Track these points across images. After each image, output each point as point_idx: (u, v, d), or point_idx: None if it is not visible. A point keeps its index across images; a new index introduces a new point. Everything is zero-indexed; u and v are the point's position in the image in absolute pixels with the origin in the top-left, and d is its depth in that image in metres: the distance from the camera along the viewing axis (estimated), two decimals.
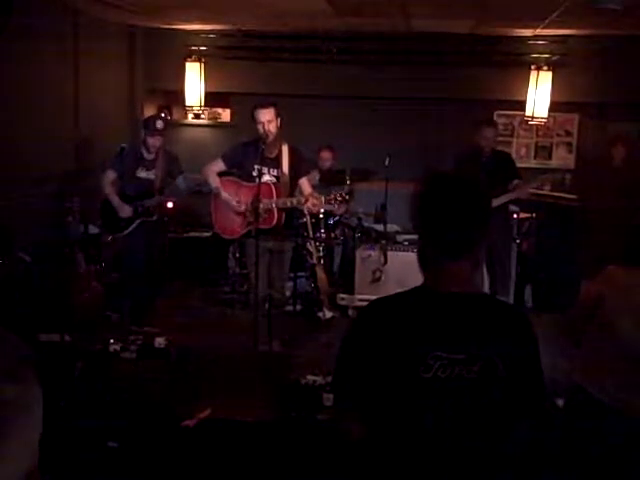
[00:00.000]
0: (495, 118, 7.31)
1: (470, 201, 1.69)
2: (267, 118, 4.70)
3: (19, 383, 1.07)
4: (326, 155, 6.76)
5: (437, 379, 1.63)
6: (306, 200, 4.67)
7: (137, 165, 5.53)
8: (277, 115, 4.75)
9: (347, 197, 4.69)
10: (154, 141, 5.49)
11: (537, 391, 1.77)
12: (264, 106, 4.72)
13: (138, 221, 5.51)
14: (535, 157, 7.74)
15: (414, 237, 6.53)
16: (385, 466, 1.72)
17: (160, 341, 5.00)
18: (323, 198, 4.69)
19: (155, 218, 5.58)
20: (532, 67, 7.16)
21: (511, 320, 1.76)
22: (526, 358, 1.72)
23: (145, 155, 5.54)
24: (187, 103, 7.60)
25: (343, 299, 6.25)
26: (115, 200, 5.48)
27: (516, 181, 5.76)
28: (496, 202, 5.43)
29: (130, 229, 5.51)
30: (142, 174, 5.54)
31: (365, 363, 1.70)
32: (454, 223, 1.68)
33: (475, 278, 1.77)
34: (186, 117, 8.07)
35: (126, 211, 5.48)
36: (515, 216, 6.44)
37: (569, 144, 7.75)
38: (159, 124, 5.48)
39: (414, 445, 1.68)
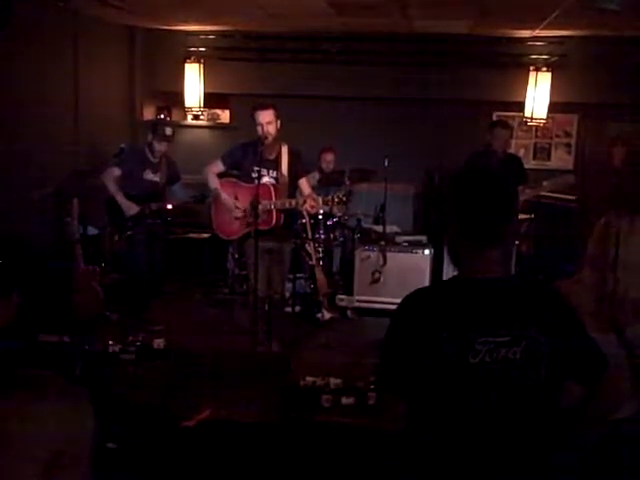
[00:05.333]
0: (494, 119, 7.31)
1: (501, 193, 1.79)
2: (266, 119, 4.70)
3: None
4: (330, 157, 6.75)
5: (484, 363, 1.67)
6: (304, 201, 4.67)
7: (144, 167, 5.56)
8: (277, 117, 4.75)
9: (344, 199, 4.67)
10: (160, 147, 5.54)
11: (590, 357, 1.81)
12: (263, 107, 4.72)
13: (145, 222, 5.53)
14: (534, 158, 7.74)
15: (413, 238, 6.55)
16: (434, 451, 1.75)
17: (159, 342, 4.99)
18: (320, 199, 4.69)
19: (159, 221, 5.62)
20: (531, 68, 7.18)
21: (546, 296, 1.82)
22: (568, 329, 1.76)
23: (150, 158, 5.58)
24: (186, 104, 7.61)
25: (342, 300, 6.25)
26: (121, 198, 5.48)
27: (520, 187, 5.75)
28: None
29: (136, 229, 5.53)
30: (149, 176, 5.58)
31: (412, 352, 1.73)
32: (489, 213, 1.76)
33: (508, 265, 1.82)
34: (185, 118, 8.07)
35: (133, 209, 5.49)
36: None
37: (568, 145, 7.75)
38: (168, 131, 5.54)
39: (463, 430, 1.71)
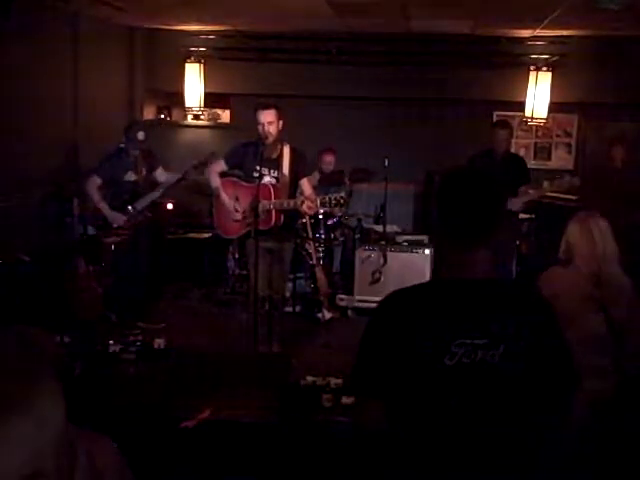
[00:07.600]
0: (495, 119, 7.31)
1: (485, 194, 1.76)
2: (267, 119, 4.69)
3: (21, 382, 1.05)
4: (329, 158, 6.73)
5: (461, 365, 1.66)
6: (302, 202, 4.65)
7: (124, 170, 5.50)
8: (278, 117, 4.74)
9: (342, 200, 4.64)
10: (135, 152, 5.46)
11: (564, 363, 1.79)
12: (265, 107, 4.72)
13: (134, 223, 5.50)
14: (534, 158, 7.74)
15: (413, 238, 6.54)
16: (411, 453, 1.73)
17: (159, 342, 5.00)
18: (318, 200, 4.67)
19: (150, 216, 5.57)
20: (531, 68, 7.18)
21: (529, 301, 1.81)
22: (546, 333, 1.75)
23: (129, 160, 5.51)
24: (187, 104, 7.60)
25: (342, 300, 6.25)
26: (106, 210, 5.46)
27: (523, 187, 5.73)
28: None
29: (127, 233, 5.51)
30: (132, 178, 5.53)
31: (388, 353, 1.71)
32: (473, 214, 1.74)
33: (492, 267, 1.82)
34: (186, 118, 8.08)
35: (119, 220, 5.47)
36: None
37: (568, 145, 7.75)
38: (141, 135, 5.41)
39: (440, 431, 1.70)
